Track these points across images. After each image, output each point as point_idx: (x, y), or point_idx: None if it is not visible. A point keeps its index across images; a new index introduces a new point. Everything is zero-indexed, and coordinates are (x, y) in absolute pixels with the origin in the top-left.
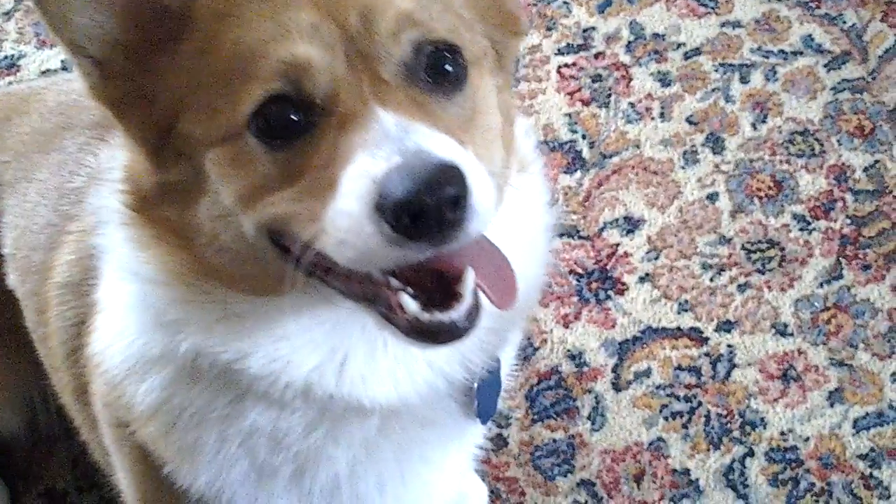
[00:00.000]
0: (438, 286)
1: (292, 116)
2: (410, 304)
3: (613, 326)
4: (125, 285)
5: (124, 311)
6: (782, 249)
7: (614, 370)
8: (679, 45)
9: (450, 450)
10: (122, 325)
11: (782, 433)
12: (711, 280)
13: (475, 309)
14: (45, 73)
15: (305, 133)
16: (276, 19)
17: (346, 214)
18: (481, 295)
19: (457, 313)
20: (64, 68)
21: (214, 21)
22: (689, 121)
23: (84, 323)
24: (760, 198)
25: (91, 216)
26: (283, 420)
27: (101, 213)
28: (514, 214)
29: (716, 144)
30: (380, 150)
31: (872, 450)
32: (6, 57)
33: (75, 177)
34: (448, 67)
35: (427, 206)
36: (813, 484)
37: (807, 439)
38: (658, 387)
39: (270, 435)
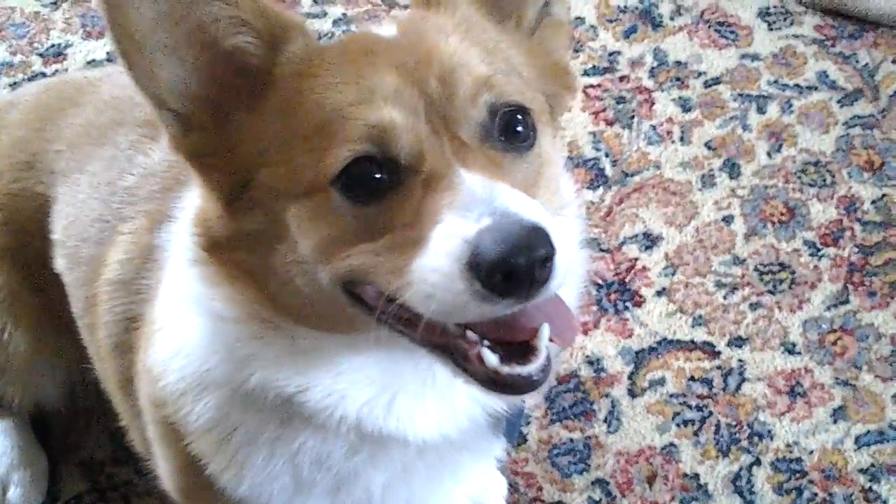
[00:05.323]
0: (516, 341)
1: (377, 175)
2: (490, 358)
3: (630, 336)
4: (193, 317)
5: (189, 337)
6: (793, 273)
7: (630, 377)
8: (700, 74)
9: (478, 466)
10: (183, 349)
11: (788, 445)
12: (725, 298)
13: (548, 363)
14: (90, 62)
15: (389, 190)
16: (361, 84)
17: (436, 271)
18: (551, 347)
19: (534, 367)
20: (109, 60)
21: (296, 80)
22: (707, 146)
23: (133, 319)
24: (773, 223)
25: (147, 219)
26: (329, 444)
27: (170, 248)
28: None
29: (732, 170)
30: (469, 211)
31: (873, 465)
32: (53, 46)
33: (126, 175)
34: (519, 128)
35: (520, 267)
36: (815, 494)
37: (811, 452)
38: (671, 395)
39: (315, 456)
